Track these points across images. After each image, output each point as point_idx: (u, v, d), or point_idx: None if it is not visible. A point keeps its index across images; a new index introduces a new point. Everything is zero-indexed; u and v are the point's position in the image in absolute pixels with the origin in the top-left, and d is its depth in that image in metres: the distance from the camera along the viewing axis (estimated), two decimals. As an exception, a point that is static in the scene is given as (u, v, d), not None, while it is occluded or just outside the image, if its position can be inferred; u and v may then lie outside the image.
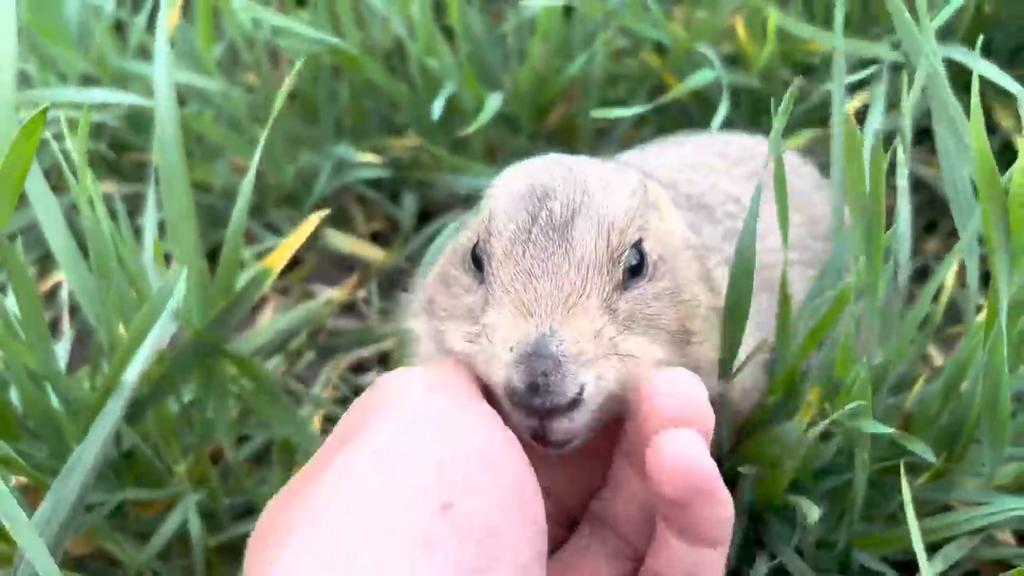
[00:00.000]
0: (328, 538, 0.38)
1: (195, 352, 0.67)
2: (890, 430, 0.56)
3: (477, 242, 0.51)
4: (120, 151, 1.13)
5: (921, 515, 0.66)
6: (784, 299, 0.61)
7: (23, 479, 0.58)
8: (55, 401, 0.65)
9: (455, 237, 0.58)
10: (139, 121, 1.10)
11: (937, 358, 0.89)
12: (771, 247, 0.64)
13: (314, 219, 0.69)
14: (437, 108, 0.87)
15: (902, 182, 0.61)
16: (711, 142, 0.83)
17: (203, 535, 0.71)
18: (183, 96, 1.10)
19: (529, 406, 0.44)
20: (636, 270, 0.49)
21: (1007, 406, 0.56)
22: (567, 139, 1.11)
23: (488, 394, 0.48)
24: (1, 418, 0.63)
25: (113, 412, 0.57)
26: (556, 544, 0.52)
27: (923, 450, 0.61)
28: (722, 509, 0.44)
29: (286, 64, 1.29)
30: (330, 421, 0.85)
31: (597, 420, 0.46)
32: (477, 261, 0.51)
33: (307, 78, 1.08)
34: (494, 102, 0.91)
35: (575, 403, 0.44)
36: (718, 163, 0.77)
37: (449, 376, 0.47)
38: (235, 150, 1.07)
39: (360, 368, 0.98)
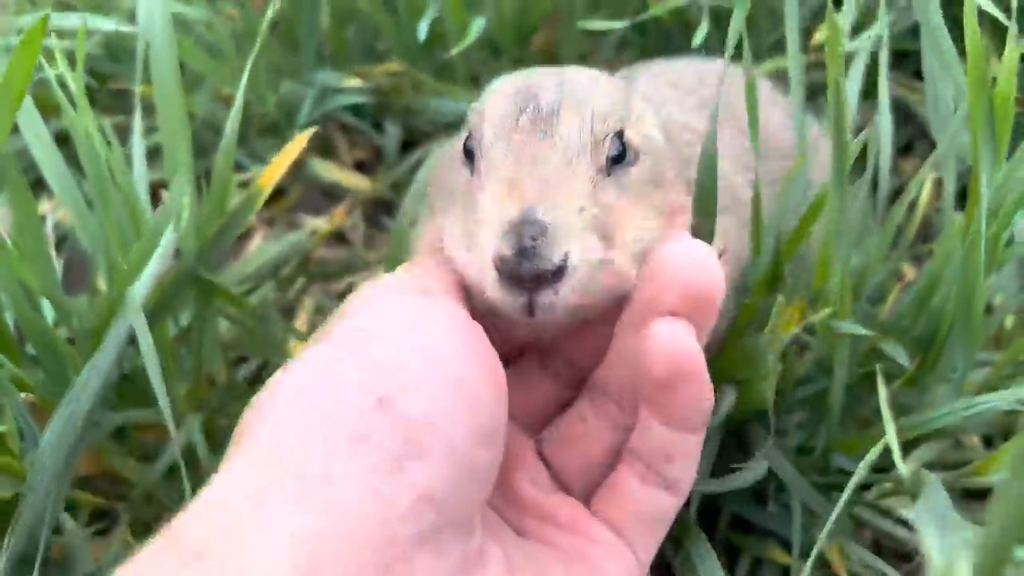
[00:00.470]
0: (271, 438, 0.41)
1: (191, 276, 0.68)
2: (867, 332, 0.59)
3: (469, 135, 0.53)
4: (96, 79, 1.12)
5: (895, 420, 0.70)
6: (756, 198, 0.62)
7: (31, 397, 0.59)
8: (52, 320, 0.66)
9: (446, 147, 0.60)
10: (117, 50, 1.08)
11: (910, 274, 0.92)
12: (724, 172, 0.66)
13: (302, 138, 0.70)
14: (422, 31, 0.87)
15: (883, 96, 0.63)
16: (664, 72, 0.83)
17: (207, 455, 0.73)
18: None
19: (518, 273, 0.45)
20: (618, 159, 0.51)
21: (981, 309, 0.59)
22: (550, 64, 1.11)
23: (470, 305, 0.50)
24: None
25: (119, 333, 0.58)
26: (565, 405, 0.56)
27: (898, 353, 0.64)
28: (703, 395, 0.47)
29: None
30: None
31: (582, 297, 0.47)
32: (469, 154, 0.53)
33: (288, 5, 1.07)
34: (477, 25, 0.91)
35: (560, 271, 0.45)
36: (670, 94, 0.78)
37: (417, 275, 0.50)
38: (218, 79, 1.06)
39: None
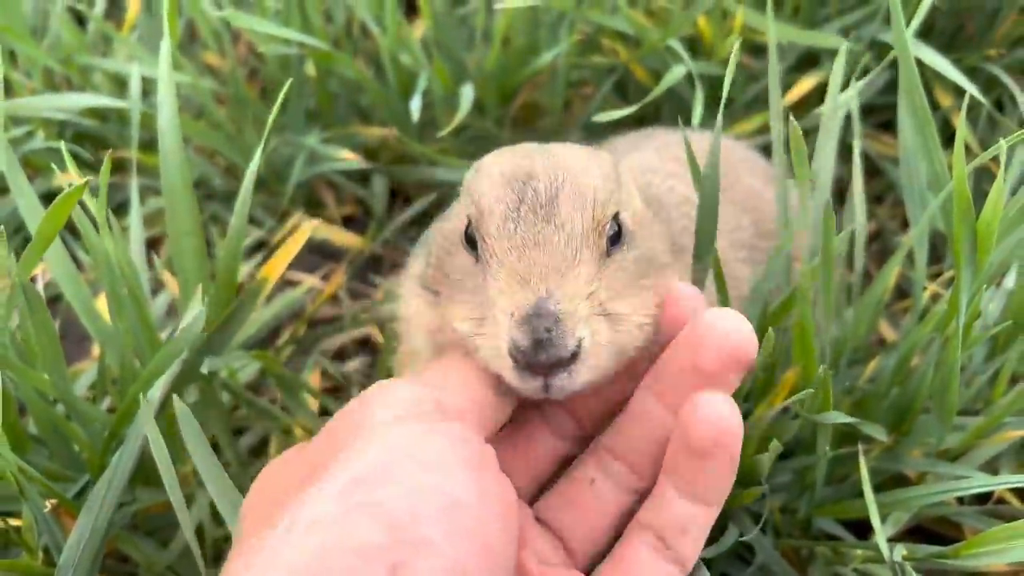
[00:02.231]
0: None
1: (198, 372, 0.70)
2: (848, 419, 0.62)
3: (469, 223, 0.54)
4: (79, 141, 1.13)
5: (875, 481, 0.74)
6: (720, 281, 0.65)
7: (55, 501, 0.61)
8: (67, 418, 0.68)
9: (440, 226, 0.61)
10: (102, 114, 1.09)
11: (888, 333, 0.96)
12: (720, 248, 0.69)
13: (306, 229, 0.72)
14: (415, 109, 0.89)
15: (858, 191, 0.66)
16: (669, 145, 0.86)
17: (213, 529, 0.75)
18: (148, 87, 1.09)
19: (534, 362, 0.47)
20: (615, 239, 0.54)
21: (956, 394, 0.63)
22: (532, 123, 1.14)
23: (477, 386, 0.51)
24: (15, 437, 0.66)
25: (136, 435, 0.61)
26: (565, 463, 0.57)
27: (876, 431, 0.68)
28: (733, 469, 0.49)
29: (247, 44, 1.29)
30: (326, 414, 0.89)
31: (593, 376, 0.50)
32: (471, 241, 0.54)
33: (275, 68, 1.08)
34: (467, 96, 0.94)
35: (574, 356, 0.48)
36: (674, 168, 0.81)
37: (425, 394, 0.49)
38: (201, 138, 1.08)
39: (341, 355, 1.02)
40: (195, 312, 0.61)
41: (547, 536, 0.55)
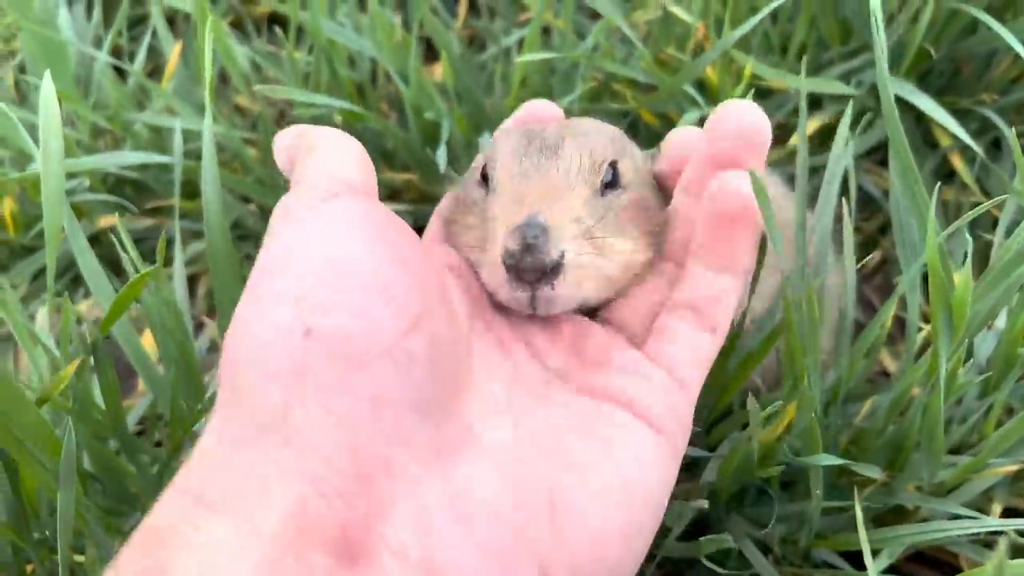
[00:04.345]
0: (233, 386, 0.44)
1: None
2: (837, 460, 0.67)
3: (485, 165, 0.62)
4: (119, 185, 1.20)
5: (874, 513, 0.79)
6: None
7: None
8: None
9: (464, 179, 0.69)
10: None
11: (888, 363, 1.01)
12: None
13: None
14: (441, 160, 0.95)
15: (848, 244, 0.71)
16: None
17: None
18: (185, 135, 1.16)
19: (521, 266, 0.53)
20: (611, 184, 0.60)
21: (941, 440, 0.68)
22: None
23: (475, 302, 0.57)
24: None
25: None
26: None
27: (871, 470, 0.73)
28: (752, 237, 0.56)
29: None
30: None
31: (575, 294, 0.56)
32: (484, 177, 0.62)
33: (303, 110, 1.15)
34: (487, 145, 0.99)
35: (558, 267, 0.54)
36: None
37: (321, 182, 0.51)
38: (235, 185, 1.14)
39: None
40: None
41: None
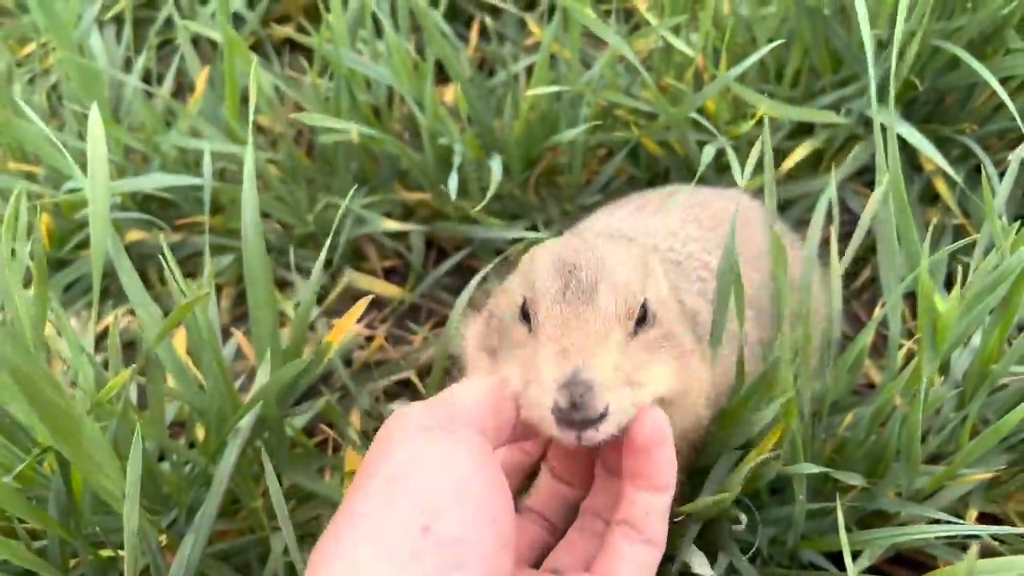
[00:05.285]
0: (343, 561, 0.52)
1: (266, 427, 0.83)
2: (819, 469, 0.74)
3: (524, 302, 0.67)
4: (148, 202, 1.27)
5: (856, 516, 0.85)
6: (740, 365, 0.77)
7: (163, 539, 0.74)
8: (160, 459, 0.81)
9: (496, 296, 0.76)
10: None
11: (874, 374, 1.07)
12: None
13: (362, 304, 0.85)
14: (453, 187, 1.01)
15: (835, 268, 0.78)
16: (692, 206, 0.98)
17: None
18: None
19: (570, 420, 0.60)
20: (641, 321, 0.67)
21: (919, 451, 0.74)
22: (554, 183, 1.26)
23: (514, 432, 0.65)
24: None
25: (223, 477, 0.74)
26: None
27: (853, 478, 0.79)
28: (671, 459, 0.63)
29: (295, 106, 1.42)
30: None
31: (616, 430, 0.62)
32: (526, 315, 0.67)
33: (325, 141, 1.22)
34: (497, 168, 1.06)
35: (602, 417, 0.60)
36: (694, 231, 0.92)
37: (445, 412, 0.62)
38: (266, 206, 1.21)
39: (389, 395, 1.14)
40: (267, 373, 0.73)
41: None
